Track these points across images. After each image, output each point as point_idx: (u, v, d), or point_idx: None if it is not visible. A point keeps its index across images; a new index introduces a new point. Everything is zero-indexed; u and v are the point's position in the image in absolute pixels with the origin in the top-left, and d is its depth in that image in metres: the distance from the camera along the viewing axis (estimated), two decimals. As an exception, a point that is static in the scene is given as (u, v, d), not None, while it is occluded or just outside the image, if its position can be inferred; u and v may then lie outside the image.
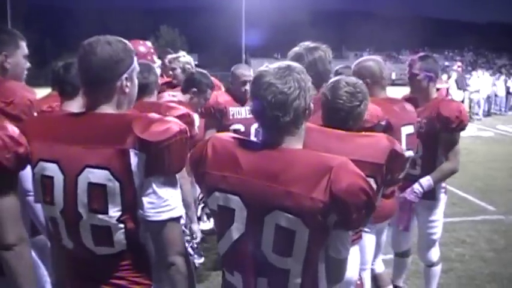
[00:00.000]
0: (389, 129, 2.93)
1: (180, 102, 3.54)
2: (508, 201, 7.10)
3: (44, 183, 1.71)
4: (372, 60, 3.22)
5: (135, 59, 1.79)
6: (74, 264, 1.78)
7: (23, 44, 2.51)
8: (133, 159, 1.59)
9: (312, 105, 1.70)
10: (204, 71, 3.99)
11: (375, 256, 3.40)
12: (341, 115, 2.31)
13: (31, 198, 2.26)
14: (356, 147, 2.17)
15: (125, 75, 1.73)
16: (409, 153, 3.10)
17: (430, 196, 3.48)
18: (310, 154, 1.65)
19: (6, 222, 1.71)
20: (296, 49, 2.70)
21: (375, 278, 3.48)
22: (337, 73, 4.00)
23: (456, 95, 16.31)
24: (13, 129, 1.74)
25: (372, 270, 3.43)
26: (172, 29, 71.44)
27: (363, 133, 2.40)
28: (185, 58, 4.75)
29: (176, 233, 1.69)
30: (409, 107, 3.24)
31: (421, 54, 3.64)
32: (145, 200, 1.63)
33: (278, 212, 1.56)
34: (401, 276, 4.04)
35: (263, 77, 1.65)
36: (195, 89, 3.73)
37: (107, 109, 1.72)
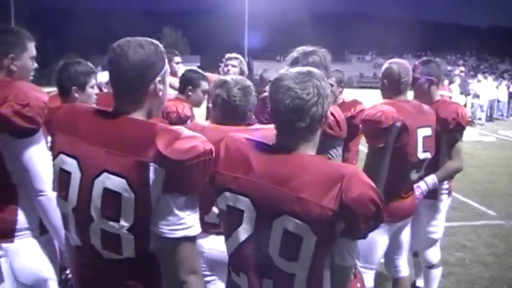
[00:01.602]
0: (405, 131, 2.99)
1: (177, 99, 3.85)
2: (508, 206, 7.09)
3: (61, 177, 1.68)
4: (395, 63, 3.24)
5: (167, 60, 1.73)
6: (80, 268, 1.76)
7: (31, 46, 2.49)
8: (152, 174, 1.52)
9: (329, 112, 1.69)
10: (193, 67, 4.27)
11: (397, 256, 3.42)
12: (238, 112, 2.47)
13: (43, 199, 2.28)
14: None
15: (158, 78, 1.66)
16: (426, 155, 3.13)
17: (432, 195, 3.54)
18: (323, 161, 1.66)
19: None
20: (293, 54, 2.72)
21: (396, 282, 3.48)
22: None
23: (458, 100, 16.30)
24: None
25: (397, 271, 3.44)
26: (175, 31, 71.54)
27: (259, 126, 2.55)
28: (243, 61, 4.92)
29: (190, 252, 1.60)
30: (427, 109, 3.28)
31: (424, 58, 3.77)
32: (160, 216, 1.56)
33: (287, 217, 1.56)
34: (419, 274, 4.15)
35: (282, 80, 1.65)
36: (190, 87, 3.92)
37: (137, 114, 1.66)
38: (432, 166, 3.45)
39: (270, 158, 1.66)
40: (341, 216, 1.53)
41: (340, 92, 4.06)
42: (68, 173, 1.65)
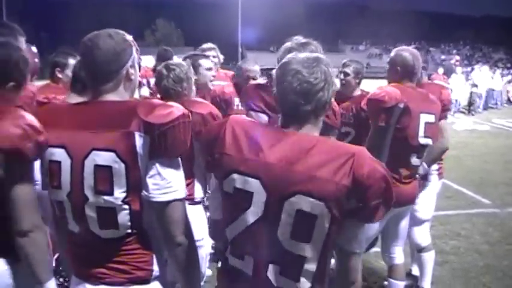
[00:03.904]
0: (407, 113, 3.07)
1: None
2: (502, 195, 7.15)
3: (52, 168, 1.75)
4: (408, 51, 3.28)
5: (134, 48, 1.84)
6: (78, 249, 1.82)
7: (22, 40, 2.54)
8: (138, 142, 1.65)
9: (332, 99, 1.71)
10: (195, 52, 4.49)
11: (394, 244, 3.46)
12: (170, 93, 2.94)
13: (38, 187, 2.29)
14: None
15: (129, 63, 1.79)
16: (426, 141, 3.18)
17: (422, 177, 3.63)
18: (330, 141, 1.69)
19: (22, 209, 1.75)
20: (288, 44, 2.72)
21: (391, 269, 3.53)
22: None
23: (462, 90, 16.35)
24: (31, 118, 1.77)
25: (392, 258, 3.48)
26: (169, 22, 71.25)
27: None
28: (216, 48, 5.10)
29: (180, 213, 1.74)
30: (433, 98, 3.33)
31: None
32: (149, 181, 1.69)
33: (300, 197, 1.56)
34: (414, 262, 4.25)
35: (291, 64, 1.66)
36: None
37: (113, 97, 1.77)
38: None
39: (279, 139, 1.66)
40: (353, 193, 1.54)
41: (358, 83, 4.07)
42: (58, 163, 1.74)
